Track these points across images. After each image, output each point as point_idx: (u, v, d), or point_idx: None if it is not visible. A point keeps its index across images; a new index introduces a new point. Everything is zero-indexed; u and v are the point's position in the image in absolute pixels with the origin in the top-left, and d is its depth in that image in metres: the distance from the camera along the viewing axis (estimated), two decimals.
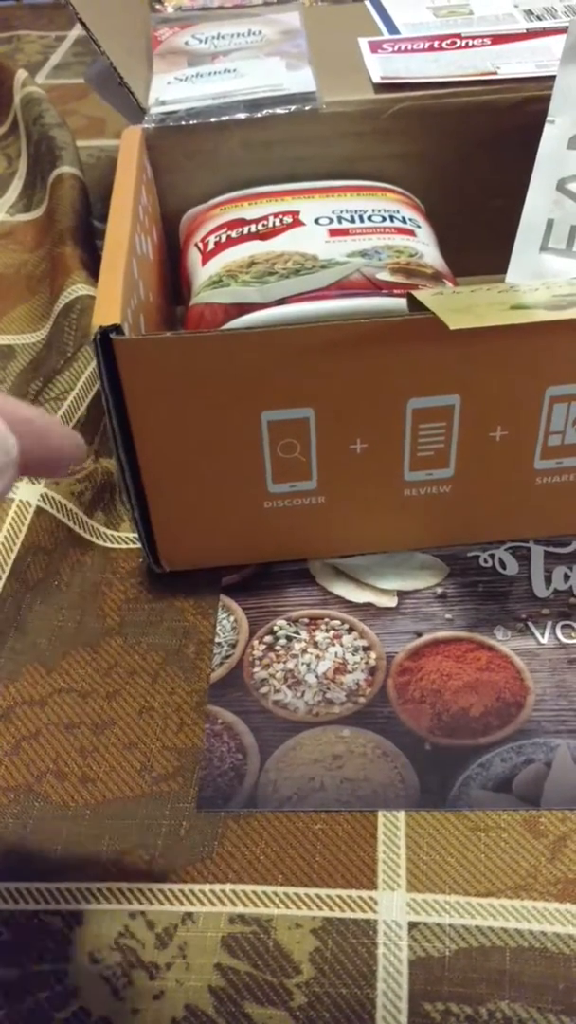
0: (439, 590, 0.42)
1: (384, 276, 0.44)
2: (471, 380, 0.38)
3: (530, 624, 0.40)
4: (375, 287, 0.44)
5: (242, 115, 0.50)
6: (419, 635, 0.40)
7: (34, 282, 0.62)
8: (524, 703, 0.38)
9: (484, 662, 0.39)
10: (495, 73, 0.52)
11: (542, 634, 0.40)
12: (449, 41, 0.55)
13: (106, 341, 0.36)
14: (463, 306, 0.36)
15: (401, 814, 0.34)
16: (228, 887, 0.33)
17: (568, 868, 0.33)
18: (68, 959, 0.31)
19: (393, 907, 0.32)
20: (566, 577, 0.42)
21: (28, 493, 0.44)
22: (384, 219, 0.49)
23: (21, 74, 0.78)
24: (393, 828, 0.34)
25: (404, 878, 0.33)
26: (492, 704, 0.38)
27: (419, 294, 0.37)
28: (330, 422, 0.39)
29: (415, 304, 0.37)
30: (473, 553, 0.43)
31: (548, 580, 0.42)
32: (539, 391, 0.39)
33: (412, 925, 0.31)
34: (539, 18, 0.56)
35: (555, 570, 0.42)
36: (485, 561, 0.43)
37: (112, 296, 0.37)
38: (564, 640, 0.40)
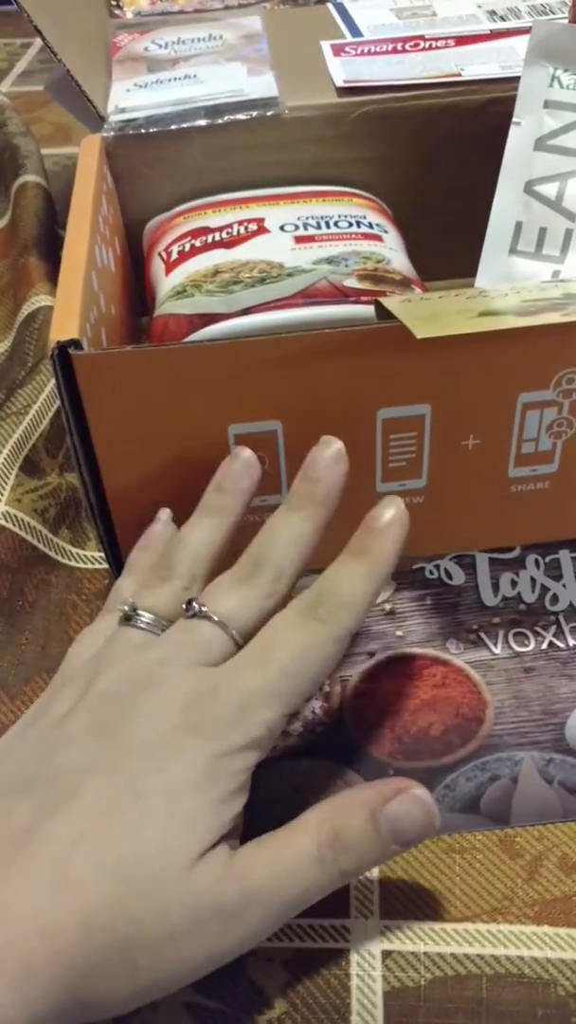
0: (387, 607, 0.41)
1: (351, 283, 0.44)
2: (442, 388, 0.37)
3: (482, 635, 0.40)
4: (342, 294, 0.43)
5: (203, 122, 0.49)
6: (372, 655, 0.39)
7: None
8: (484, 717, 0.37)
9: (440, 678, 0.38)
10: (459, 75, 0.51)
11: (495, 644, 0.39)
12: (412, 43, 0.54)
13: (64, 357, 0.35)
14: (430, 313, 0.35)
15: None
16: None
17: (545, 889, 0.32)
18: None
19: (366, 935, 0.31)
20: (513, 583, 0.41)
21: None
22: (351, 224, 0.48)
23: None
24: None
25: (377, 904, 0.32)
26: (452, 721, 0.37)
27: (386, 301, 0.36)
28: (298, 434, 0.38)
29: (383, 312, 0.36)
30: (418, 565, 0.42)
31: (496, 588, 0.41)
32: (511, 398, 0.38)
33: (386, 954, 0.31)
34: (503, 19, 0.56)
35: (501, 577, 0.41)
36: (431, 572, 0.42)
37: (70, 310, 0.36)
38: (517, 648, 0.39)
